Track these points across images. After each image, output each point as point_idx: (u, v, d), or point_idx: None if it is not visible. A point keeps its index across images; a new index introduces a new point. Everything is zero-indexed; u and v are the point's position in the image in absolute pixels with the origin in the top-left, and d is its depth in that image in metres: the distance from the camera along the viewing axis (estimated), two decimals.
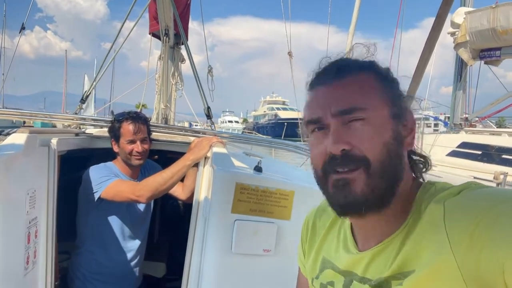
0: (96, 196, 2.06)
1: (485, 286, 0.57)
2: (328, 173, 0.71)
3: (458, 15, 6.27)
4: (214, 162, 1.91)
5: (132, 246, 2.28)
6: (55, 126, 2.88)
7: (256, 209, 1.77)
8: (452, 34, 6.40)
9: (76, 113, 2.82)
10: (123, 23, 2.91)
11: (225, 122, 63.71)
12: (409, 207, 0.71)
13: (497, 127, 6.93)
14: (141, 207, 2.33)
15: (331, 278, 0.81)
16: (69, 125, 2.67)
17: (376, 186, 0.68)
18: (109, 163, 2.23)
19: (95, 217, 2.16)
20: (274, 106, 63.11)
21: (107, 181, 2.06)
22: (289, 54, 6.51)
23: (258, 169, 1.93)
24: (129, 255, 2.27)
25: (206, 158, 2.13)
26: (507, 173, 3.09)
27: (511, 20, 5.29)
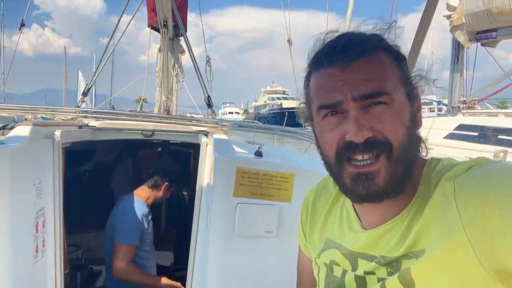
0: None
1: (499, 263, 0.56)
2: (342, 159, 0.68)
3: None
4: (215, 148, 1.96)
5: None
6: None
7: (257, 193, 1.83)
8: (448, 17, 6.38)
9: (78, 106, 2.86)
10: (120, 16, 2.94)
11: (226, 113, 63.55)
12: (415, 185, 0.69)
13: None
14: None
15: (335, 257, 0.81)
16: (71, 118, 2.73)
17: (397, 171, 0.66)
18: (137, 204, 2.54)
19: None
20: (275, 96, 62.86)
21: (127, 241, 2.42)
22: (289, 41, 6.46)
23: (258, 153, 1.98)
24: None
25: (207, 145, 2.19)
26: (507, 150, 3.11)
27: (506, 1, 5.28)
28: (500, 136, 4.50)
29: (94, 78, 2.80)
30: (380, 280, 0.70)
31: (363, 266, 0.74)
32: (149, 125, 2.74)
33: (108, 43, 2.85)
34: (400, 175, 0.66)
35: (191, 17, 4.70)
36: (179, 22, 3.24)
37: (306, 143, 2.61)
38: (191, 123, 2.74)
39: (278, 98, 59.34)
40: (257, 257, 1.87)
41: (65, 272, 2.06)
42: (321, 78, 0.70)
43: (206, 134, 2.42)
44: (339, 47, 0.68)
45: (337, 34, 0.72)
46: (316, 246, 0.89)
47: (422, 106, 0.76)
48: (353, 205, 0.81)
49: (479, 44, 6.32)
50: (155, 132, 2.79)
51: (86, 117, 2.77)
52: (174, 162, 3.00)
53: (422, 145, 0.74)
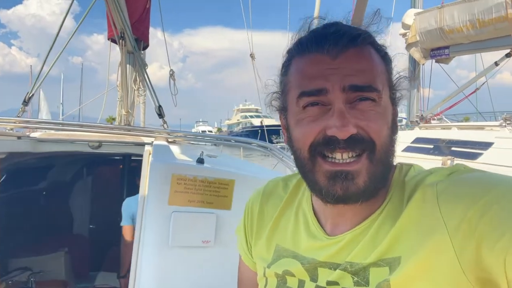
0: None
1: (484, 272, 0.53)
2: (316, 155, 0.62)
3: (408, 16, 6.60)
4: (152, 155, 1.89)
5: None
6: None
7: (194, 200, 1.76)
8: (404, 35, 6.70)
9: (18, 116, 2.73)
10: (63, 21, 2.87)
11: (199, 132, 63.01)
12: (384, 190, 0.66)
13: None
14: None
15: (290, 266, 0.73)
16: (11, 129, 2.59)
17: (376, 174, 0.62)
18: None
19: None
20: (248, 114, 63.25)
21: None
22: (251, 55, 6.62)
23: (200, 160, 1.92)
24: None
25: (149, 154, 2.11)
26: (453, 157, 3.27)
27: (456, 19, 5.60)
28: (453, 148, 4.71)
29: (37, 86, 2.68)
30: None
31: (325, 275, 0.67)
32: (95, 136, 2.64)
33: (49, 52, 2.75)
34: (378, 177, 0.62)
35: (163, 36, 4.77)
36: (128, 33, 3.16)
37: (275, 160, 2.54)
38: (141, 133, 2.66)
39: (251, 116, 59.78)
40: (194, 269, 1.77)
41: None
42: (306, 63, 0.64)
43: None
44: (330, 33, 0.62)
45: (324, 22, 0.67)
46: (264, 256, 0.80)
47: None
48: (313, 209, 0.74)
49: (433, 61, 6.66)
50: (102, 144, 2.69)
51: (27, 127, 2.64)
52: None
53: None
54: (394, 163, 0.69)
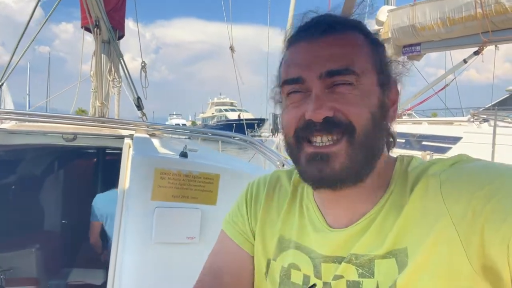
0: None
1: (488, 259, 0.54)
2: (301, 140, 0.64)
3: (382, 13, 6.79)
4: (134, 148, 1.84)
5: None
6: None
7: (178, 195, 1.73)
8: (377, 31, 6.86)
9: None
10: (33, 11, 2.73)
11: (173, 125, 62.05)
12: (385, 181, 0.67)
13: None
14: None
15: (296, 259, 0.71)
16: None
17: (357, 158, 0.61)
18: None
19: None
20: (222, 107, 62.95)
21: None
22: (231, 48, 6.55)
23: (183, 154, 1.88)
24: None
25: (130, 147, 2.05)
26: (432, 153, 3.41)
27: (427, 17, 5.82)
28: (424, 142, 4.91)
29: (5, 78, 2.54)
30: (351, 283, 0.63)
31: (330, 270, 0.66)
32: (70, 128, 2.54)
33: (17, 44, 2.61)
34: (360, 163, 0.62)
35: (135, 26, 4.64)
36: (106, 23, 3.06)
37: (252, 152, 2.51)
38: (119, 126, 2.57)
39: (226, 110, 59.54)
40: (178, 266, 1.74)
41: None
42: (290, 53, 0.67)
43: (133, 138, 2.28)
44: (313, 23, 0.65)
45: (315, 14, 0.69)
46: (269, 247, 0.77)
47: None
48: (315, 201, 0.74)
49: (405, 57, 6.86)
50: (77, 136, 2.59)
51: None
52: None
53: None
54: (384, 150, 0.68)
